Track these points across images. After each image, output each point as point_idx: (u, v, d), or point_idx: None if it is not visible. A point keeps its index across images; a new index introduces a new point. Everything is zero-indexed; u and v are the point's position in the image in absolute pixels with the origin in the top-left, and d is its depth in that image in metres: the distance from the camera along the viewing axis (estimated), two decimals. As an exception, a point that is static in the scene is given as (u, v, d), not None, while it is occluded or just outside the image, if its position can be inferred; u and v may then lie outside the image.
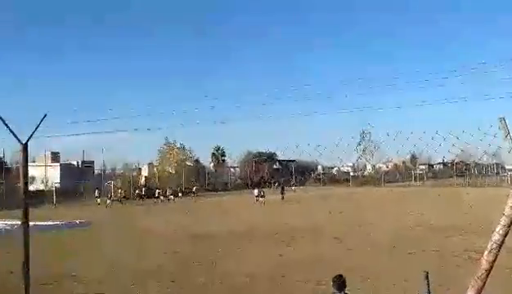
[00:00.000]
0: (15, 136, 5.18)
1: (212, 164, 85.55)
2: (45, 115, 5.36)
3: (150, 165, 76.70)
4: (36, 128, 5.26)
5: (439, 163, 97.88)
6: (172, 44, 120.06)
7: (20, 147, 5.45)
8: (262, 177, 71.94)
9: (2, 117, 5.19)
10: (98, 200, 49.77)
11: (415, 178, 77.43)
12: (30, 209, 5.48)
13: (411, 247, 16.17)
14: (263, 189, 44.16)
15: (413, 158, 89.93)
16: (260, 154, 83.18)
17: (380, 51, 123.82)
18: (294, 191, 53.26)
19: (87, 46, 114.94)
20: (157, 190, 53.08)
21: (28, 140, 5.25)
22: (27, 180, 5.37)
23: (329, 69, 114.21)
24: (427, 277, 5.53)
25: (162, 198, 50.21)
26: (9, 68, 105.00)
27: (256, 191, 43.70)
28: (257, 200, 39.63)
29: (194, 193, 58.15)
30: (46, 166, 63.34)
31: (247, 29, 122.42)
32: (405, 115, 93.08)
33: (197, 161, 77.06)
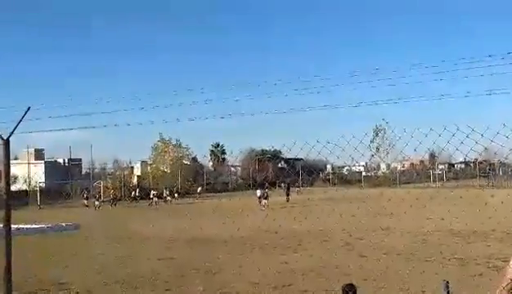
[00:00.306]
0: (-4, 131, 5.18)
1: (211, 163, 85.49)
2: (28, 108, 5.35)
3: (144, 163, 76.52)
4: (19, 122, 5.25)
5: (460, 163, 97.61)
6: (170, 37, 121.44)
7: (0, 143, 5.44)
8: (266, 177, 71.88)
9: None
10: (85, 202, 49.86)
11: (433, 178, 77.26)
12: (12, 211, 5.48)
13: (430, 253, 16.16)
14: (267, 190, 44.09)
15: (432, 156, 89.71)
16: (264, 152, 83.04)
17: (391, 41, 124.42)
18: (298, 193, 52.67)
19: (78, 41, 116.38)
20: (152, 191, 52.92)
21: (10, 136, 5.24)
22: (9, 179, 5.36)
23: (342, 58, 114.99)
24: (447, 286, 5.51)
25: (156, 199, 49.87)
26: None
27: (259, 192, 43.61)
28: (260, 202, 39.61)
29: (199, 193, 58.72)
30: (29, 163, 63.30)
31: (248, 19, 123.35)
32: (424, 110, 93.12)
33: (194, 159, 76.93)
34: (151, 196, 50.83)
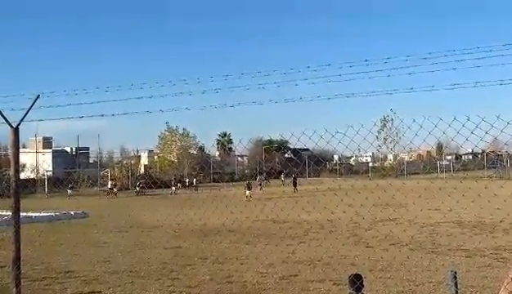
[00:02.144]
0: (5, 119, 5.19)
1: (218, 152, 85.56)
2: (38, 96, 5.36)
3: (151, 153, 76.64)
4: (28, 110, 5.26)
5: (468, 153, 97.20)
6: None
7: (9, 131, 5.46)
8: (272, 167, 71.89)
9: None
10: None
11: (441, 169, 77.03)
12: (21, 199, 5.51)
13: (437, 244, 16.16)
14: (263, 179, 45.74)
15: (439, 147, 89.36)
16: (271, 142, 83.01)
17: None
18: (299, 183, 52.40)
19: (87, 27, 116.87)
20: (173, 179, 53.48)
21: (19, 124, 5.26)
22: (18, 167, 5.39)
23: (350, 46, 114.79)
24: (455, 277, 5.49)
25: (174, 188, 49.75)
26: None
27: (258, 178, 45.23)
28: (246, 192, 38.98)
29: (194, 185, 57.19)
30: (37, 152, 63.60)
31: (259, 10, 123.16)
32: (433, 100, 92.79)
33: (201, 148, 77.00)
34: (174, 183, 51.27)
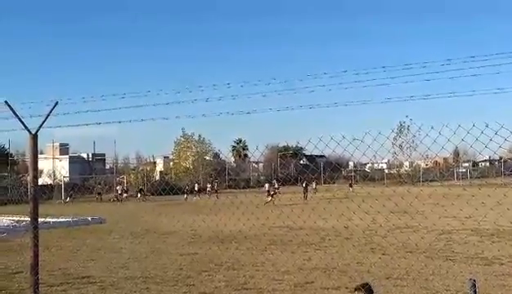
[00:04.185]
0: (25, 126, 5.24)
1: (233, 159, 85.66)
2: (56, 103, 5.40)
3: (166, 159, 76.92)
4: (47, 117, 5.31)
5: (485, 160, 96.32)
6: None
7: (28, 137, 5.50)
8: (288, 174, 71.80)
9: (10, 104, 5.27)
10: (98, 196, 50.55)
11: (457, 177, 76.37)
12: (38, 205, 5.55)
13: (455, 252, 16.00)
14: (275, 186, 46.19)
15: (456, 154, 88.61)
16: (286, 148, 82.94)
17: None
18: (315, 191, 52.36)
19: (100, 32, 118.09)
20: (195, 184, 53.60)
21: (38, 130, 5.30)
22: (37, 173, 5.43)
23: (370, 52, 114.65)
24: (474, 285, 5.43)
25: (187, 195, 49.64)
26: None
27: (267, 185, 47.06)
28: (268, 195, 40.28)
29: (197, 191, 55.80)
30: (54, 158, 64.18)
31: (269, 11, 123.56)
32: (452, 107, 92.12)
33: (217, 155, 77.13)
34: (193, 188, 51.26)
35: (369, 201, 23.38)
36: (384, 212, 21.71)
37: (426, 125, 5.46)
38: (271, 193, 43.12)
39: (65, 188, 55.57)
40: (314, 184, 54.64)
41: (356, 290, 6.24)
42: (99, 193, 52.92)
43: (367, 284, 6.37)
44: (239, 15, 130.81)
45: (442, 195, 23.72)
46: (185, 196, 48.47)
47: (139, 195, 51.92)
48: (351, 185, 55.32)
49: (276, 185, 49.30)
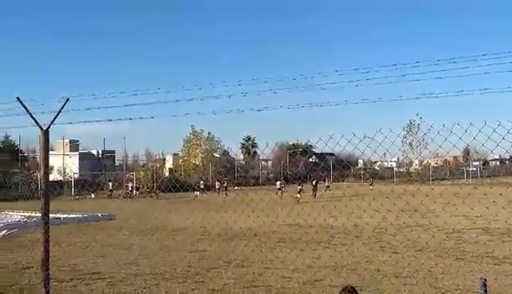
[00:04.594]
0: (36, 122, 5.26)
1: (242, 156, 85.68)
2: (67, 99, 5.42)
3: (176, 156, 77.01)
4: (58, 113, 5.33)
5: (496, 159, 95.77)
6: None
7: (39, 133, 5.53)
8: (297, 172, 71.71)
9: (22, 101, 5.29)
10: (109, 193, 50.73)
11: (467, 175, 75.98)
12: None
13: (465, 251, 15.92)
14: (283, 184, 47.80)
15: (466, 153, 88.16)
16: (295, 146, 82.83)
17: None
18: (328, 189, 52.30)
19: (112, 33, 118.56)
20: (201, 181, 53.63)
21: (49, 127, 5.33)
22: (47, 169, 5.45)
23: (381, 51, 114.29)
24: (485, 284, 5.39)
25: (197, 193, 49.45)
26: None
27: (278, 183, 48.32)
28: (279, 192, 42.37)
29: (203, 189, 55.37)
30: (64, 155, 64.46)
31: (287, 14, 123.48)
32: (463, 105, 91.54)
33: (226, 152, 77.16)
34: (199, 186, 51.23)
35: (379, 199, 23.32)
36: (395, 211, 21.65)
37: (437, 123, 5.43)
38: (282, 189, 44.18)
39: (75, 184, 55.89)
40: (326, 182, 54.72)
41: (342, 291, 6.21)
42: (110, 190, 53.21)
43: (351, 287, 6.33)
44: (247, 14, 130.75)
45: (453, 194, 23.59)
46: (196, 193, 48.40)
47: (152, 193, 51.78)
48: (371, 184, 54.15)
49: (280, 184, 49.60)
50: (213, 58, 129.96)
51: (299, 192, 41.39)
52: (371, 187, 51.53)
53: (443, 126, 5.25)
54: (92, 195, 50.73)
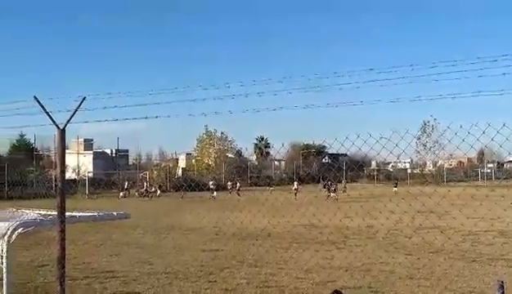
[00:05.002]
0: (53, 120, 5.29)
1: (254, 157, 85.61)
2: (84, 98, 5.45)
3: (189, 155, 77.14)
4: (74, 112, 5.36)
5: (510, 162, 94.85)
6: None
7: (55, 132, 5.56)
8: (309, 173, 71.54)
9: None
10: (121, 193, 50.87)
11: (482, 177, 75.37)
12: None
13: (480, 253, 15.80)
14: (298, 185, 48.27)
15: (481, 154, 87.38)
16: (308, 147, 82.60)
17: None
18: (344, 190, 52.01)
19: (112, 33, 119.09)
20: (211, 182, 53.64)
21: (65, 125, 5.36)
22: (64, 167, 5.48)
23: (395, 51, 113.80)
24: (502, 287, 5.34)
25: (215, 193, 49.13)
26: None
27: (296, 184, 48.23)
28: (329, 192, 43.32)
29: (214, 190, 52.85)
30: (78, 153, 64.83)
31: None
32: (478, 106, 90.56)
33: (239, 152, 77.17)
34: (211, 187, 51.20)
35: (394, 200, 23.20)
36: (411, 212, 21.48)
37: (451, 124, 5.38)
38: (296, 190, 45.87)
39: (92, 183, 56.24)
40: (343, 183, 54.51)
41: None
42: (127, 189, 53.49)
43: (335, 290, 6.30)
44: (246, 14, 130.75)
45: (470, 196, 23.38)
46: (213, 193, 48.24)
47: (181, 192, 51.36)
48: (396, 186, 52.44)
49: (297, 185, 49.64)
50: (212, 58, 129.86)
51: (334, 191, 42.99)
52: (395, 189, 50.04)
53: (460, 127, 5.20)
54: (121, 193, 50.80)
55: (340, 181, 55.68)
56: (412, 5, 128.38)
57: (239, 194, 48.84)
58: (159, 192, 52.54)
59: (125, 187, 54.39)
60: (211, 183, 53.91)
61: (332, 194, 42.05)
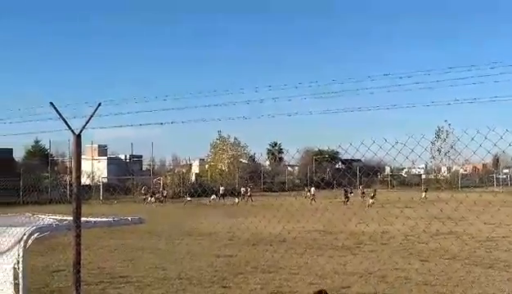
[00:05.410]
0: (69, 126, 5.31)
1: (268, 162, 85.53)
2: (99, 104, 5.47)
3: (202, 161, 77.27)
4: (90, 118, 5.38)
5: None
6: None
7: (69, 138, 5.59)
8: (323, 178, 71.32)
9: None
10: (149, 198, 50.95)
11: (497, 182, 74.65)
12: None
13: (496, 260, 15.62)
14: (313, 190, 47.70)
15: (496, 160, 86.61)
16: (321, 152, 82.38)
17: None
18: (364, 195, 51.39)
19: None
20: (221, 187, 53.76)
21: (81, 131, 5.37)
22: (80, 173, 5.50)
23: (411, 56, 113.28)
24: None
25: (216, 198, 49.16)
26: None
27: (313, 190, 48.14)
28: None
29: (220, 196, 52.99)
30: (93, 159, 65.22)
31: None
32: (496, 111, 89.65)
33: (252, 158, 77.16)
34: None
35: (410, 204, 23.00)
36: (428, 218, 21.28)
37: (468, 129, 5.32)
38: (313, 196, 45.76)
39: (105, 188, 56.49)
40: (361, 188, 53.91)
41: None
42: (145, 194, 53.68)
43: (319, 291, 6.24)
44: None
45: (487, 201, 23.14)
46: (235, 200, 48.25)
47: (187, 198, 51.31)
48: (426, 191, 50.91)
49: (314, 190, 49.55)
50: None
51: (373, 196, 42.46)
52: (425, 194, 48.28)
53: (477, 132, 5.14)
54: (150, 198, 50.74)
55: (356, 187, 55.29)
56: (433, 8, 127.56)
57: (252, 200, 48.80)
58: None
59: (142, 192, 54.65)
60: (222, 189, 54.01)
61: (371, 200, 40.92)
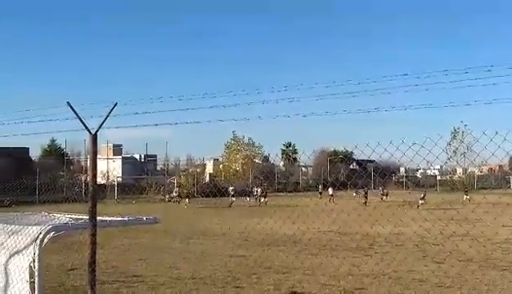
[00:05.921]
0: (85, 126, 5.34)
1: (282, 162, 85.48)
2: (115, 104, 5.48)
3: (216, 161, 77.46)
4: (106, 117, 5.39)
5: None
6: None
7: (85, 137, 5.61)
8: (337, 178, 71.05)
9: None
10: (168, 196, 51.06)
11: (512, 184, 73.94)
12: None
13: (509, 262, 15.45)
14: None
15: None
16: (336, 153, 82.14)
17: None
18: (383, 196, 50.57)
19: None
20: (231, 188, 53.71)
21: (97, 130, 5.39)
22: (96, 172, 5.52)
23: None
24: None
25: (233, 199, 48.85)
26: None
27: (331, 190, 49.22)
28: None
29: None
30: (108, 159, 65.63)
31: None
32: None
33: (266, 158, 77.16)
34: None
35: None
36: (445, 219, 21.10)
37: (486, 130, 5.26)
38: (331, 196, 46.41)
39: (121, 188, 56.79)
40: (381, 189, 53.32)
41: None
42: (163, 194, 53.86)
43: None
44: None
45: (505, 203, 22.89)
46: (248, 199, 48.09)
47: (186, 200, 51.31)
48: (466, 192, 49.14)
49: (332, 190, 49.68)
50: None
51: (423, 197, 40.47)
52: (467, 197, 45.83)
53: (496, 133, 5.08)
54: (175, 197, 50.75)
55: (370, 188, 54.91)
56: (433, 8, 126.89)
57: (266, 201, 48.64)
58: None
59: (161, 192, 54.91)
60: (232, 189, 53.83)
61: (421, 201, 38.87)
